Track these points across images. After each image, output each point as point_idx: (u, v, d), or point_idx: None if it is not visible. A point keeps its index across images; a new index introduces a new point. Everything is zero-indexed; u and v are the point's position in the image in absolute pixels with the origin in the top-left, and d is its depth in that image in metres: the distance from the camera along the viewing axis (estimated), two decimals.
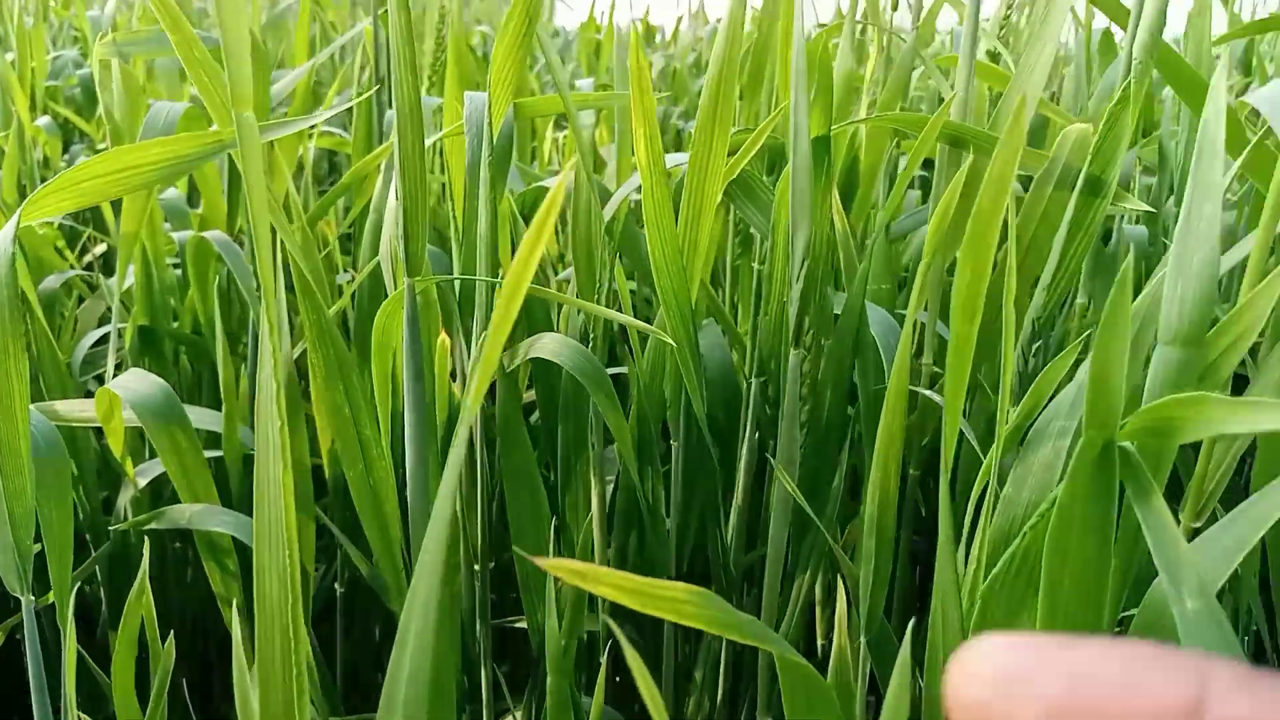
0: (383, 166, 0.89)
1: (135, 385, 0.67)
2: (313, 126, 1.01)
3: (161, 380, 0.67)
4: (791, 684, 0.41)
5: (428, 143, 0.78)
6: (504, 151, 0.71)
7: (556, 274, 0.96)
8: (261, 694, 0.36)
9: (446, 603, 0.43)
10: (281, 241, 0.91)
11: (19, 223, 0.44)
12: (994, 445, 0.46)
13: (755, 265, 0.80)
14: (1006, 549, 0.40)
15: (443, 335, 0.65)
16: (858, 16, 0.87)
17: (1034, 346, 0.64)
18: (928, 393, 0.66)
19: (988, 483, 0.46)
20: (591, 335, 0.73)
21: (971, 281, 0.40)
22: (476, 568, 0.73)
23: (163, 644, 0.44)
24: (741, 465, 0.74)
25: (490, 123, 0.66)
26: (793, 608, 0.71)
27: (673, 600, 0.34)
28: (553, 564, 0.30)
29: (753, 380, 0.73)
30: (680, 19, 2.76)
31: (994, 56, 0.85)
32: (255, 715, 0.36)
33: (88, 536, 0.84)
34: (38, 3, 1.83)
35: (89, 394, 1.05)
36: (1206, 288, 0.38)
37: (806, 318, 0.66)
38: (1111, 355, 0.34)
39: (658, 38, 2.81)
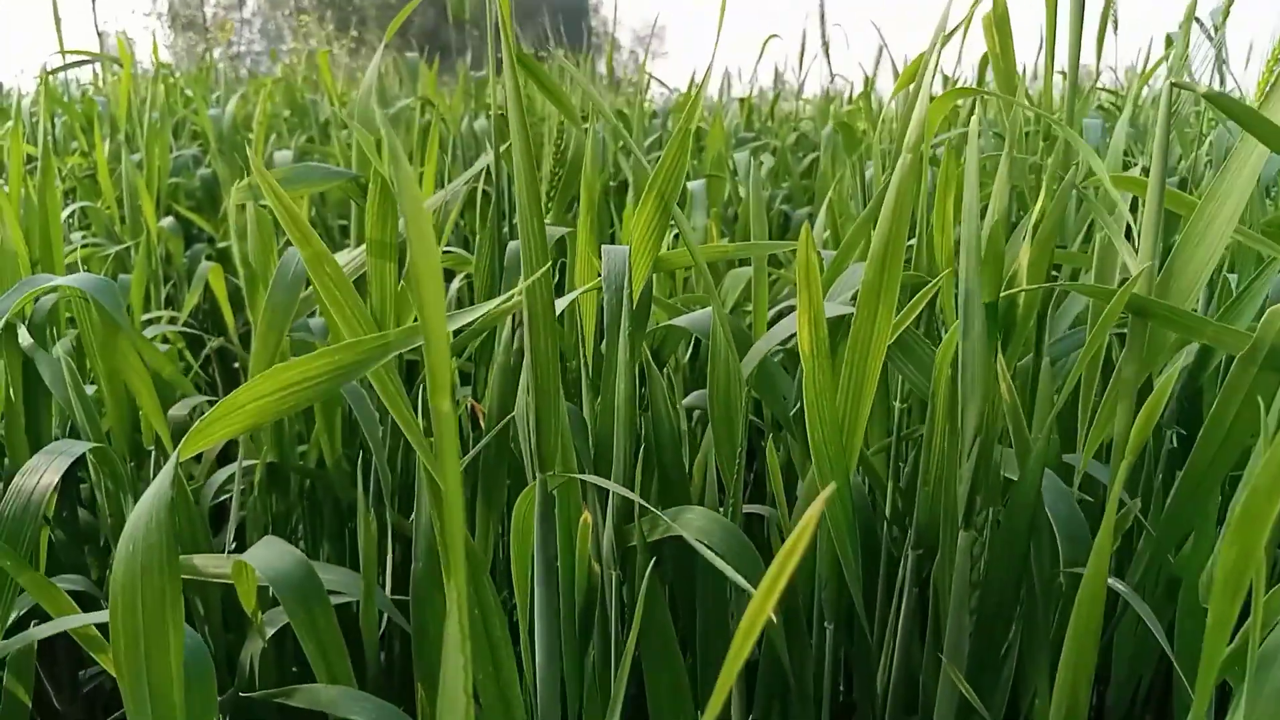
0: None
1: (271, 558, 0.65)
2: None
3: (295, 552, 0.65)
4: None
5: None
6: (644, 309, 0.68)
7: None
8: None
9: None
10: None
11: (179, 458, 0.42)
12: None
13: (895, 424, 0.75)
14: None
15: (585, 515, 0.62)
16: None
17: None
18: (1120, 587, 0.60)
19: None
20: (730, 501, 0.69)
21: (1238, 559, 0.35)
22: None
23: None
24: (897, 644, 0.68)
25: (631, 283, 0.63)
26: None
27: None
28: None
29: (910, 553, 0.68)
30: (776, 91, 2.74)
31: (1184, 184, 0.79)
32: None
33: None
34: (162, 101, 1.89)
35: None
36: None
37: (978, 497, 0.62)
38: None
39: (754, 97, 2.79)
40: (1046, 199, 0.72)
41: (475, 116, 2.13)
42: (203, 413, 1.14)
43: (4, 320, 0.78)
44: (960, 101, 1.61)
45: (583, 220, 0.77)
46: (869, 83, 2.53)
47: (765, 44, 2.73)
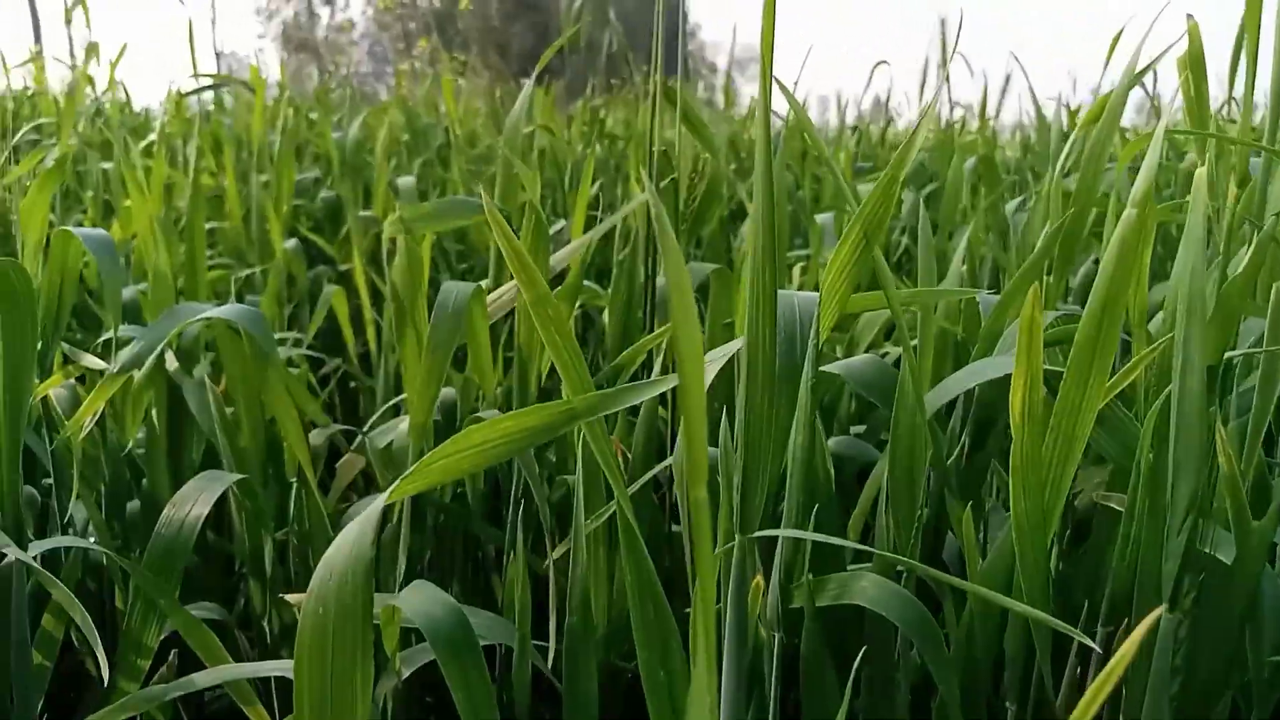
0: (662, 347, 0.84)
1: (423, 604, 0.63)
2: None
3: (449, 599, 0.63)
4: None
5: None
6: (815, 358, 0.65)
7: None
8: None
9: None
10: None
11: (386, 504, 0.40)
12: None
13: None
14: None
15: (756, 578, 0.59)
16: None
17: None
18: None
19: None
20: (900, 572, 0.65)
21: None
22: None
23: None
24: None
25: (819, 331, 0.60)
26: None
27: None
28: None
29: (1099, 630, 0.63)
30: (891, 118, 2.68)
31: None
32: None
33: None
34: (290, 125, 1.93)
35: None
36: None
37: (1187, 576, 0.56)
38: None
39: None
40: (1250, 248, 0.66)
41: (590, 144, 2.12)
42: (335, 443, 1.14)
43: (157, 351, 0.78)
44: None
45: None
46: (983, 113, 2.46)
47: (874, 71, 2.68)
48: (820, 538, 0.54)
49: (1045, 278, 0.83)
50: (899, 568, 0.70)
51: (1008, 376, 0.69)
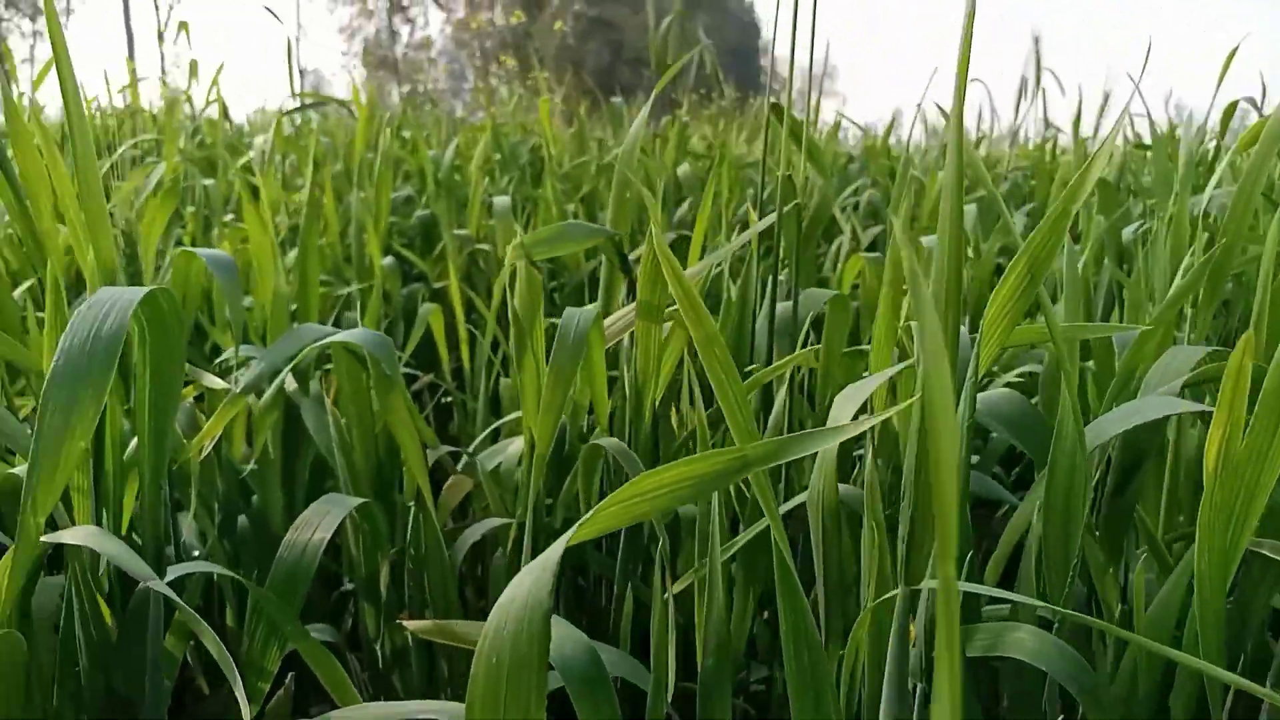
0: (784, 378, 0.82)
1: (558, 641, 0.62)
2: None
3: (582, 637, 0.62)
4: None
5: None
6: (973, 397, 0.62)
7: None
8: None
9: None
10: None
11: (568, 543, 0.39)
12: None
13: None
14: None
15: (910, 629, 0.56)
16: None
17: None
18: None
19: None
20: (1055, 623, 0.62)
21: None
22: None
23: None
24: None
25: (976, 369, 0.57)
26: None
27: None
28: None
29: (1268, 686, 0.59)
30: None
31: None
32: None
33: None
34: (388, 146, 1.95)
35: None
36: None
37: None
38: None
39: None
40: None
41: (678, 162, 2.12)
42: (442, 464, 1.14)
43: (284, 373, 0.78)
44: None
45: (888, 297, 0.72)
46: (1076, 132, 2.40)
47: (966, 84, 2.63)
48: (984, 589, 0.52)
49: (1189, 310, 0.79)
50: (1040, 613, 0.67)
51: (1164, 417, 0.66)
